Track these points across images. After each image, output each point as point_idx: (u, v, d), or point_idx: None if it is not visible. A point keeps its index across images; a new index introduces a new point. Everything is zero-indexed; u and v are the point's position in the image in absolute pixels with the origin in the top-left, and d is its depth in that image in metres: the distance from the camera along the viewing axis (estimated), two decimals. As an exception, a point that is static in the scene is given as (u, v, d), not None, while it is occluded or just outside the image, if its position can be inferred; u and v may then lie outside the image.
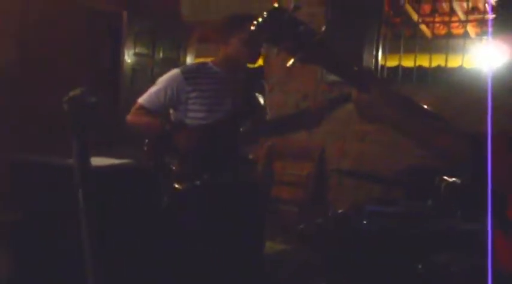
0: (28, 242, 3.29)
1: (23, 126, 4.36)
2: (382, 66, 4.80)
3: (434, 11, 4.76)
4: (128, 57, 5.40)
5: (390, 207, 3.23)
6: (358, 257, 3.13)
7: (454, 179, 1.59)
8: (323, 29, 1.52)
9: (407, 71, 4.76)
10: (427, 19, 4.93)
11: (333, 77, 4.59)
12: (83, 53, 5.07)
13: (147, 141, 2.84)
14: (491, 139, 1.19)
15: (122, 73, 5.31)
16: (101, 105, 1.20)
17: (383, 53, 4.75)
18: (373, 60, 4.66)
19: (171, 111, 2.85)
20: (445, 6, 4.80)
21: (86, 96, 1.16)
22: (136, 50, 5.47)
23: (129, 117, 2.84)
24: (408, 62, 4.78)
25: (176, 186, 2.72)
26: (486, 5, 4.56)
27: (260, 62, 4.90)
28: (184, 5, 6.03)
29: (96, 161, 3.11)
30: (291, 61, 1.45)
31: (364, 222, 3.21)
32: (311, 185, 4.42)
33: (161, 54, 5.59)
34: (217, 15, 5.34)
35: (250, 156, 2.92)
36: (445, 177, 1.56)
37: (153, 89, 2.80)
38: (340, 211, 3.55)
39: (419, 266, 2.26)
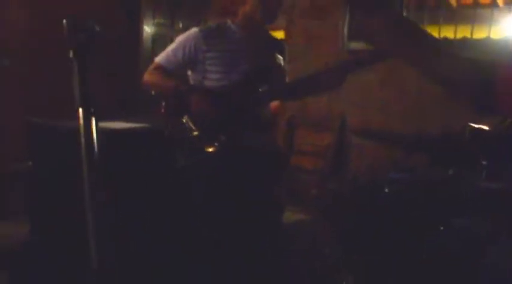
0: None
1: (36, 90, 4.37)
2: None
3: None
4: (147, 27, 5.37)
5: (411, 174, 3.16)
6: (375, 227, 3.08)
7: (480, 126, 1.53)
8: None
9: (432, 42, 4.63)
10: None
11: (354, 45, 4.63)
12: (99, 19, 5.02)
13: (164, 103, 2.83)
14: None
15: (141, 42, 5.29)
16: (101, 34, 1.17)
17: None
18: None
19: (189, 72, 2.82)
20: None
21: (86, 21, 1.14)
22: (156, 20, 5.43)
23: (145, 77, 2.84)
24: (433, 33, 4.65)
25: (192, 148, 2.70)
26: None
27: (282, 35, 4.86)
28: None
29: (110, 125, 3.14)
30: None
31: (386, 190, 3.16)
32: (331, 155, 4.36)
33: (181, 25, 5.54)
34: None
35: (268, 118, 2.89)
36: (471, 124, 1.50)
37: (170, 48, 2.78)
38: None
39: (441, 228, 2.20)
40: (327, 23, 4.79)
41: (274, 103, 2.98)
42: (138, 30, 5.33)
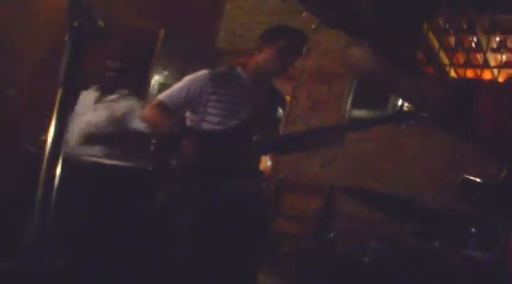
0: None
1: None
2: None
3: (467, 63, 4.69)
4: (158, 76, 5.45)
5: (393, 245, 3.08)
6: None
7: (472, 177, 1.48)
8: (313, 26, 1.54)
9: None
10: (460, 70, 4.85)
11: (356, 112, 4.68)
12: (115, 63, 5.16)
13: (154, 141, 2.80)
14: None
15: (148, 89, 5.35)
16: (103, 30, 1.14)
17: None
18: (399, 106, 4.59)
19: (188, 114, 2.81)
20: (479, 57, 4.72)
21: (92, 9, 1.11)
22: (166, 71, 5.52)
23: (144, 111, 2.83)
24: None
25: (175, 188, 2.65)
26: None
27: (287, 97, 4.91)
28: (222, 31, 6.11)
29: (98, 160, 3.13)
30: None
31: (366, 259, 3.07)
32: (316, 220, 4.28)
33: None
34: (253, 43, 5.40)
35: (259, 169, 2.86)
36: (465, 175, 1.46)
37: (176, 86, 2.78)
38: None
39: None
40: (332, 90, 4.85)
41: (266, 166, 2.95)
42: (148, 78, 5.41)
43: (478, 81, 1.20)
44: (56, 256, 1.20)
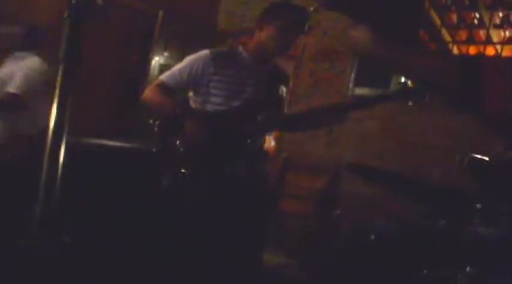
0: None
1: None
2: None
3: (470, 39, 4.67)
4: (158, 57, 5.44)
5: (399, 222, 3.09)
6: (358, 273, 2.99)
7: (479, 156, 1.49)
8: (312, 8, 1.52)
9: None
10: (462, 47, 4.83)
11: (359, 91, 4.67)
12: (115, 49, 5.15)
13: (157, 122, 2.78)
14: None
15: (148, 70, 5.35)
16: (103, 9, 1.13)
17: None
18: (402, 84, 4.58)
19: (191, 94, 2.79)
20: (481, 33, 4.70)
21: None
22: (166, 53, 5.50)
23: (146, 92, 2.76)
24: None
25: (180, 170, 2.64)
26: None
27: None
28: (221, 12, 6.07)
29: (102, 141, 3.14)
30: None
31: (372, 237, 3.08)
32: (321, 199, 4.29)
33: (189, 58, 5.58)
34: (252, 23, 5.37)
35: (263, 149, 2.84)
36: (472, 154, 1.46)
37: (177, 66, 2.73)
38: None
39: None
40: (333, 68, 4.83)
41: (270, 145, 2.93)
42: (149, 59, 5.40)
43: (483, 56, 1.20)
44: (63, 232, 1.21)
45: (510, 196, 1.54)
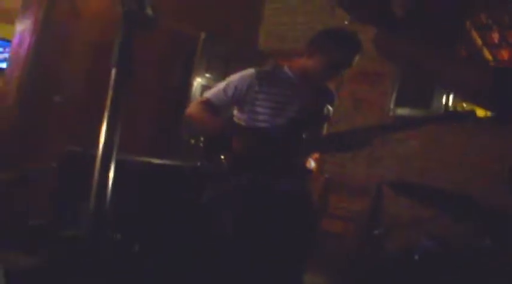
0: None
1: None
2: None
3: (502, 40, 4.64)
4: (200, 78, 5.54)
5: (443, 243, 3.06)
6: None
7: None
8: (346, 22, 1.56)
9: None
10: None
11: (400, 111, 4.65)
12: (158, 70, 5.28)
13: (203, 139, 2.82)
14: None
15: (190, 93, 5.43)
16: (153, 20, 1.18)
17: (454, 99, 4.63)
18: (444, 105, 4.56)
19: (235, 112, 2.82)
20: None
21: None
22: (207, 74, 5.59)
23: (191, 109, 2.80)
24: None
25: (224, 183, 2.67)
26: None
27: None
28: (262, 34, 6.15)
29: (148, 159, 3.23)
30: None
31: (416, 257, 3.06)
32: (364, 222, 4.26)
33: (230, 79, 5.66)
34: (293, 45, 5.44)
35: (308, 167, 2.84)
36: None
37: (222, 84, 2.76)
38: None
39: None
40: (375, 88, 4.83)
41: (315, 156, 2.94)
42: (191, 80, 5.50)
43: None
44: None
45: None
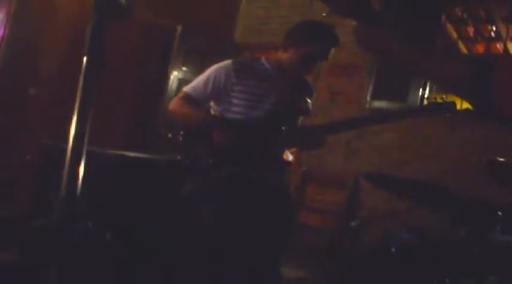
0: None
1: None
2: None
3: (487, 52, 4.69)
4: (177, 71, 5.50)
5: (420, 234, 3.08)
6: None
7: (496, 157, 1.50)
8: (324, 14, 1.56)
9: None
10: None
11: (377, 104, 4.68)
12: (133, 63, 5.23)
13: (182, 132, 2.81)
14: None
15: (167, 86, 5.40)
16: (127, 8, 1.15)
17: (430, 91, 4.66)
18: (420, 97, 4.59)
19: (212, 104, 2.81)
20: (499, 46, 4.71)
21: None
22: (184, 67, 5.56)
23: (172, 105, 2.80)
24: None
25: (203, 176, 2.66)
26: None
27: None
28: (238, 27, 6.13)
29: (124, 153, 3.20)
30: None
31: (393, 249, 3.07)
32: (342, 214, 4.28)
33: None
34: (270, 38, 5.43)
35: (286, 159, 2.84)
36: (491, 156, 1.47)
37: (200, 77, 2.75)
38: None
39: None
40: (351, 81, 4.85)
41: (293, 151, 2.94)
42: (167, 74, 5.46)
43: (495, 55, 1.21)
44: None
45: None
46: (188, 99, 2.74)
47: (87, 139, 1.07)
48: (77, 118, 1.07)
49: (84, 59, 1.08)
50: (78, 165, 1.07)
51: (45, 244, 2.67)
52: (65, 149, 1.11)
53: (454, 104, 2.57)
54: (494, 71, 1.24)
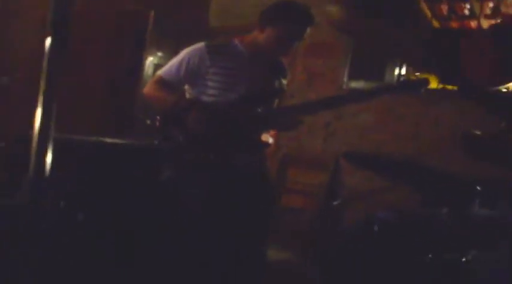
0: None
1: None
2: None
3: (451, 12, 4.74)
4: (152, 57, 5.44)
5: (401, 213, 3.10)
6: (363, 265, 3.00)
7: (473, 131, 1.51)
8: None
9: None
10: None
11: (354, 84, 4.68)
12: (106, 50, 5.14)
13: (158, 116, 2.78)
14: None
15: (143, 69, 5.34)
16: None
17: (406, 70, 4.67)
18: (396, 76, 4.61)
19: (187, 87, 2.78)
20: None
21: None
22: (159, 52, 5.49)
23: (146, 89, 2.78)
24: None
25: (181, 161, 2.64)
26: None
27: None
28: (212, 9, 6.07)
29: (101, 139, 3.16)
30: None
31: (376, 228, 3.08)
32: (323, 195, 4.29)
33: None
34: (244, 21, 5.37)
35: (265, 141, 2.83)
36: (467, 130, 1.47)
37: (174, 60, 2.73)
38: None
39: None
40: (327, 62, 4.84)
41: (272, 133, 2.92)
42: (142, 59, 5.39)
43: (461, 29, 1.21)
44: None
45: (502, 168, 1.57)
46: (162, 82, 2.72)
47: (53, 122, 1.04)
48: (43, 101, 1.04)
49: (47, 40, 1.04)
50: (46, 148, 1.04)
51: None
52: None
53: (427, 80, 2.59)
54: (461, 39, 1.24)
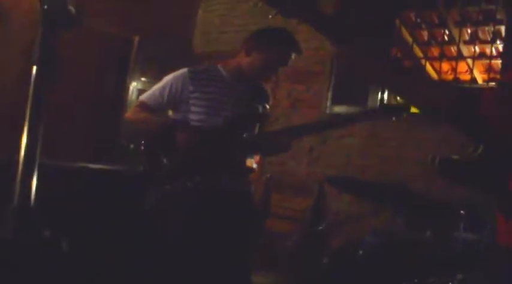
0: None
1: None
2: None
3: (442, 55, 4.78)
4: (136, 82, 5.45)
5: (386, 237, 3.11)
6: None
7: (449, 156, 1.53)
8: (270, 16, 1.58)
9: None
10: (435, 63, 4.94)
11: (337, 109, 4.72)
12: (89, 75, 5.14)
13: (143, 141, 2.77)
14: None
15: (126, 97, 5.33)
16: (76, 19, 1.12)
17: (389, 95, 4.73)
18: (379, 101, 4.64)
19: (170, 112, 2.79)
20: (453, 49, 4.81)
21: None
22: (143, 78, 5.50)
23: (128, 114, 2.79)
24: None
25: (166, 186, 2.63)
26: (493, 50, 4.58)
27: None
28: (196, 35, 6.11)
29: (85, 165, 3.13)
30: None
31: (360, 252, 3.09)
32: (308, 219, 4.29)
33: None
34: (228, 46, 5.42)
35: (249, 166, 2.84)
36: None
37: (157, 86, 2.74)
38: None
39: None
40: (310, 88, 4.89)
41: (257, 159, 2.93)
42: (126, 85, 5.40)
43: (481, 88, 1.27)
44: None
45: (486, 194, 1.60)
46: (144, 107, 2.72)
47: (39, 149, 1.04)
48: (28, 128, 1.04)
49: (34, 69, 1.05)
50: (31, 175, 1.04)
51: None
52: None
53: (407, 106, 2.62)
54: (479, 104, 1.29)
